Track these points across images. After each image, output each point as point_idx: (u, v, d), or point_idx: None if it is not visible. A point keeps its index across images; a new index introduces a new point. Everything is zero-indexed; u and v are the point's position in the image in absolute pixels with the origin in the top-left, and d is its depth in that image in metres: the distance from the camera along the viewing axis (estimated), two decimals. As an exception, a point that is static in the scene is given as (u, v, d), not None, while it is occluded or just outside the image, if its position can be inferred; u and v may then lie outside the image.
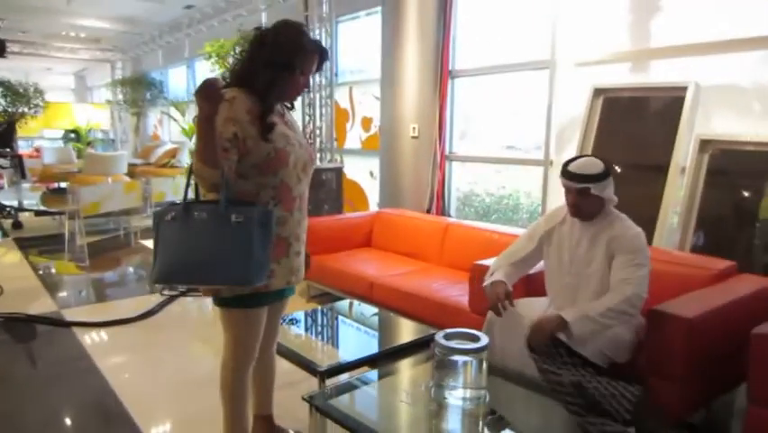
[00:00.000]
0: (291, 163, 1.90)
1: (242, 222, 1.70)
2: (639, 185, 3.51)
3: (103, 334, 3.72)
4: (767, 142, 3.06)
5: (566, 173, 2.36)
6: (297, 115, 2.16)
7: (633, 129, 3.62)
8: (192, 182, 1.82)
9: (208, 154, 1.69)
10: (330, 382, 2.25)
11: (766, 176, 3.06)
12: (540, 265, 2.62)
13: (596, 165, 2.33)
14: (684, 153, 3.33)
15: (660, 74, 3.57)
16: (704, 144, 3.26)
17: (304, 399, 1.98)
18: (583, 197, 2.32)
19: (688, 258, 2.94)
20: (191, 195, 1.85)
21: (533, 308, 2.49)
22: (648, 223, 3.31)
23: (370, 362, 2.42)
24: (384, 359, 2.43)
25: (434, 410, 1.94)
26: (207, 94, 1.65)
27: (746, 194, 3.13)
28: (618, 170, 3.57)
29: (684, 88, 3.34)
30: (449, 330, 1.98)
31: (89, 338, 3.63)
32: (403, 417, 2.02)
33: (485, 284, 2.50)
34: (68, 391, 2.90)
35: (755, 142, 3.09)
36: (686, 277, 2.60)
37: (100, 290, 4.93)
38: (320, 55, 1.95)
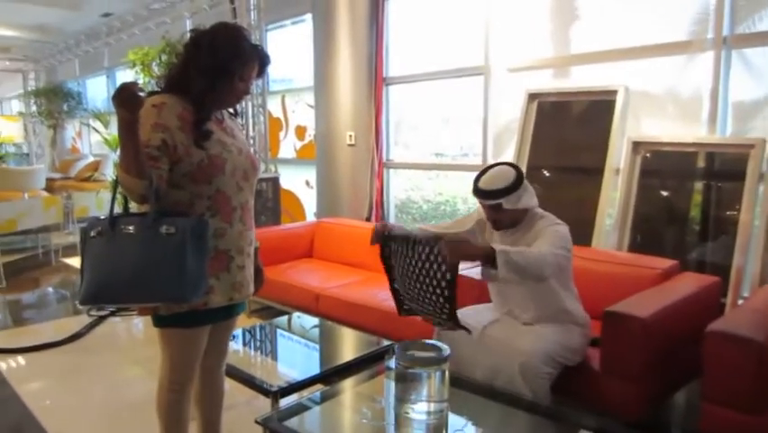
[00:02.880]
0: (228, 171, 1.78)
1: (173, 234, 1.58)
2: (575, 187, 3.59)
3: (23, 360, 3.41)
4: (691, 143, 3.19)
5: (476, 191, 2.24)
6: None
7: (568, 132, 3.71)
8: (119, 195, 1.69)
9: (132, 163, 1.56)
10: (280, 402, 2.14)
11: (694, 176, 3.19)
12: None
13: (505, 177, 2.20)
14: (618, 155, 3.44)
15: (591, 78, 3.66)
16: (636, 146, 3.38)
17: (257, 422, 1.87)
18: (498, 212, 2.24)
19: (632, 258, 3.00)
20: (119, 208, 1.70)
21: (481, 314, 2.47)
22: (585, 225, 3.38)
23: (323, 378, 2.33)
24: (337, 375, 2.34)
25: (395, 426, 1.87)
26: (123, 99, 1.51)
27: (677, 193, 3.24)
28: (546, 174, 3.70)
29: (615, 92, 3.46)
30: (407, 342, 1.91)
31: (7, 366, 3.32)
32: (363, 434, 1.94)
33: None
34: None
35: (681, 143, 3.22)
36: (633, 277, 2.66)
37: (18, 312, 4.59)
38: (261, 60, 1.84)
